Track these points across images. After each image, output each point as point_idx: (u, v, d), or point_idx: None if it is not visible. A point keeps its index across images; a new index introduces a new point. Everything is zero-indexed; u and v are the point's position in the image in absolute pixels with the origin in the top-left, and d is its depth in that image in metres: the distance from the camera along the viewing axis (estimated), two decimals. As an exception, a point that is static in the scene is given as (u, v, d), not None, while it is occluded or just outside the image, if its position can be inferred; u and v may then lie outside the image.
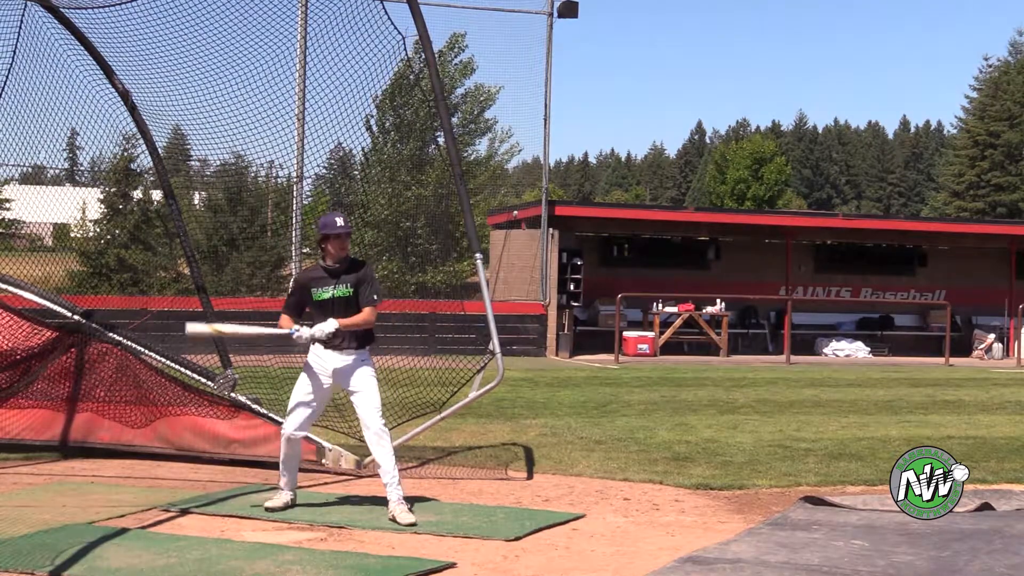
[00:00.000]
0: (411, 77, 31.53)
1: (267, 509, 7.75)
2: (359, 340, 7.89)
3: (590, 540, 7.18)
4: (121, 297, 24.33)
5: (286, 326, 7.83)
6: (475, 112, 37.40)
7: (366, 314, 7.80)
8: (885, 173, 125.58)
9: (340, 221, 7.88)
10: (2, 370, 10.17)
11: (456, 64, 35.72)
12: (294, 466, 7.98)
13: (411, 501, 8.16)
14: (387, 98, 31.20)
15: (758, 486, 9.21)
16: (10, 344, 10.09)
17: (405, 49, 9.30)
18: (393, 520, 7.51)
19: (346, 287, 7.81)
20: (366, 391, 7.84)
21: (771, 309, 29.25)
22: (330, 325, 7.68)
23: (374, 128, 31.65)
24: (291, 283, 8.18)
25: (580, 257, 27.01)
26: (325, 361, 7.86)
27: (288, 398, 8.06)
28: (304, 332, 7.72)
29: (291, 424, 7.90)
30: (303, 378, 7.94)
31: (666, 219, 31.80)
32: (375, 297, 7.83)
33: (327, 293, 7.83)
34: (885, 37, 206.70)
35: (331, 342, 7.79)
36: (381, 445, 7.79)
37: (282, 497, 7.87)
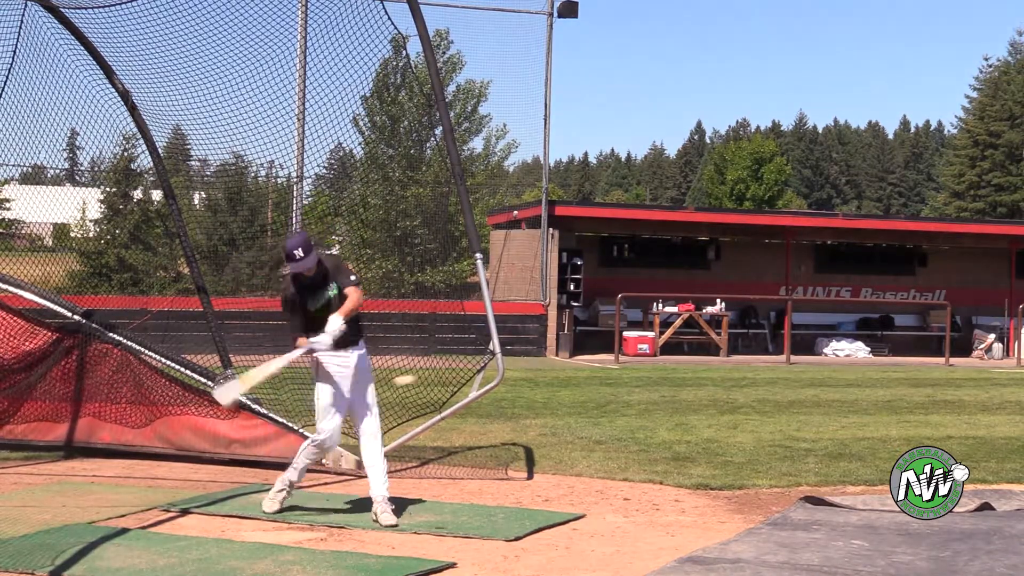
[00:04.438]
0: (397, 77, 31.62)
1: (265, 511, 7.71)
2: (359, 331, 7.86)
3: (590, 540, 7.18)
4: (121, 297, 24.33)
5: (303, 344, 7.62)
6: (468, 110, 37.42)
7: (354, 296, 7.72)
8: (885, 173, 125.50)
9: (299, 253, 7.55)
10: (2, 370, 10.17)
11: (443, 61, 35.71)
12: (304, 471, 7.93)
13: (409, 501, 8.17)
14: (378, 97, 31.21)
15: (758, 486, 9.21)
16: (10, 344, 10.09)
17: (405, 49, 9.31)
18: (375, 521, 7.48)
19: (334, 286, 7.74)
20: (371, 392, 7.84)
21: (771, 309, 29.25)
22: (336, 321, 7.54)
23: (364, 128, 31.66)
24: (283, 306, 7.94)
25: (580, 257, 27.02)
26: (344, 359, 7.72)
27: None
28: (322, 338, 7.53)
29: (332, 435, 7.77)
30: (328, 384, 7.71)
31: (666, 219, 31.79)
32: (352, 278, 7.77)
33: (323, 299, 7.70)
34: (885, 37, 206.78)
35: (342, 338, 7.68)
36: (375, 446, 7.76)
37: (279, 498, 7.80)
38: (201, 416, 9.86)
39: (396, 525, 7.41)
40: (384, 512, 7.51)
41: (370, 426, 7.78)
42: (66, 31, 10.10)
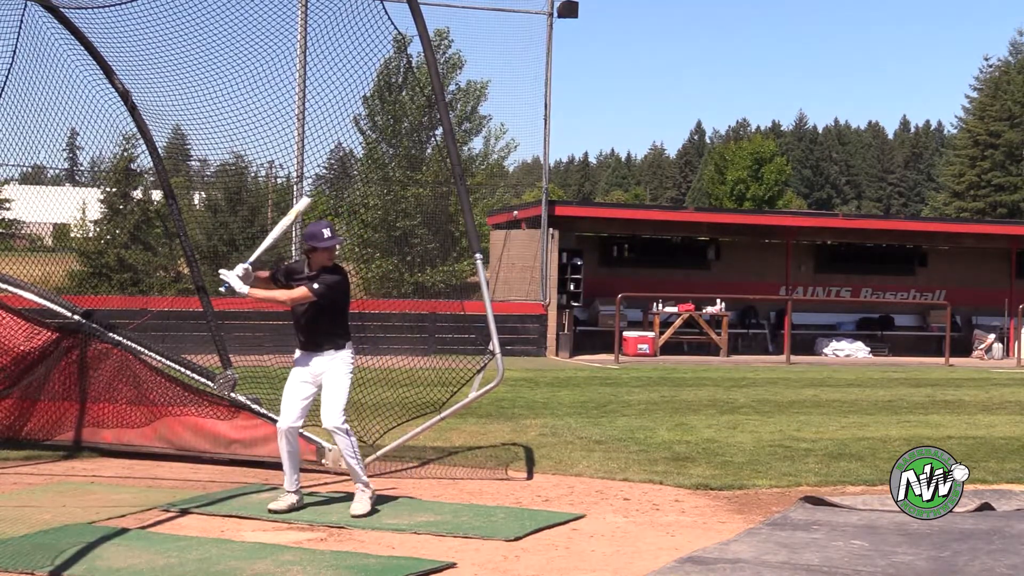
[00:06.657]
0: (399, 77, 31.60)
1: (270, 511, 7.73)
2: (336, 341, 7.91)
3: (590, 540, 7.18)
4: (121, 297, 24.33)
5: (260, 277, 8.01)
6: (468, 110, 37.39)
7: (288, 291, 7.89)
8: (885, 173, 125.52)
9: (327, 233, 7.84)
10: (2, 370, 10.18)
11: (443, 61, 35.67)
12: (295, 464, 7.92)
13: (409, 501, 8.17)
14: (378, 97, 31.19)
15: (758, 486, 9.21)
16: (10, 344, 10.09)
17: (406, 49, 9.31)
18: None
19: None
20: (332, 389, 7.86)
21: (771, 309, 29.25)
22: (237, 284, 7.83)
23: (365, 128, 31.65)
24: (284, 264, 8.27)
25: (580, 257, 27.01)
26: (309, 361, 7.92)
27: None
28: (229, 274, 7.92)
29: (285, 418, 7.92)
30: (292, 376, 8.01)
31: (666, 219, 31.79)
32: (315, 287, 7.78)
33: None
34: (885, 37, 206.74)
35: (309, 342, 7.91)
36: (339, 443, 7.87)
37: (286, 499, 7.82)
38: (201, 416, 9.87)
39: (362, 515, 7.61)
40: (355, 502, 7.78)
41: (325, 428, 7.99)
42: (66, 31, 10.10)
